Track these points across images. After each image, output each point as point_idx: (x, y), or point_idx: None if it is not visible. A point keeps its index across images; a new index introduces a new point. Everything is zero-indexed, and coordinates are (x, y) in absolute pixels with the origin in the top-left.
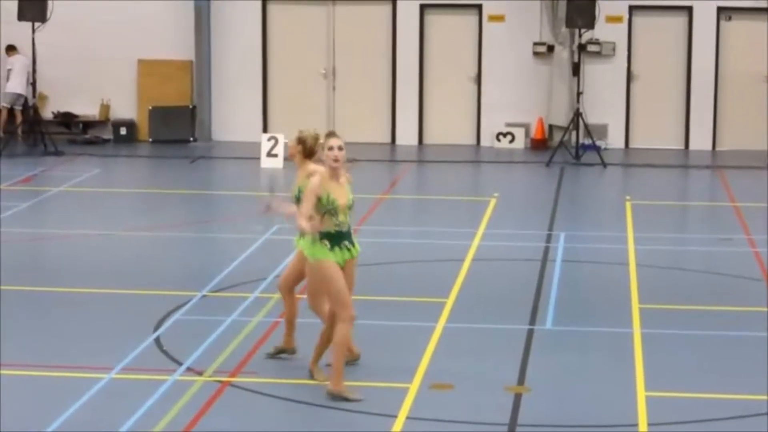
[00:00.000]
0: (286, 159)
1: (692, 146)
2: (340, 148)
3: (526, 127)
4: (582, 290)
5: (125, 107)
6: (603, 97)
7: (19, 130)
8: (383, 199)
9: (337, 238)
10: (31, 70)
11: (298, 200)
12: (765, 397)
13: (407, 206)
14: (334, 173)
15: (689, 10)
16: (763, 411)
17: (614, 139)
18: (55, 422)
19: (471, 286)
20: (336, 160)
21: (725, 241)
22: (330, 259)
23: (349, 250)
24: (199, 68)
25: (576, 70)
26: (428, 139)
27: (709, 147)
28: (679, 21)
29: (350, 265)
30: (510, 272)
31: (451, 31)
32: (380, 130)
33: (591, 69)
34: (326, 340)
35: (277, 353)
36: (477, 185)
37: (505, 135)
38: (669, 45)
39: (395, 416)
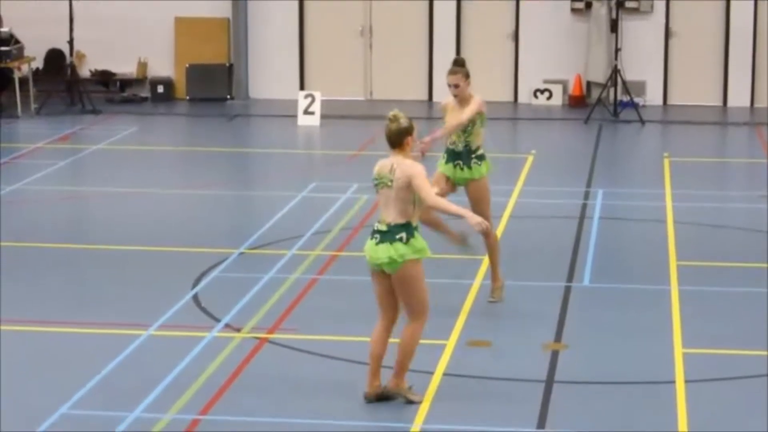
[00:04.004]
0: (323, 117)
1: (730, 103)
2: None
3: (564, 84)
4: (619, 247)
5: (162, 65)
6: (641, 54)
7: None
8: (419, 157)
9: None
10: None
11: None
12: None
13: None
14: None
15: None
16: None
17: (652, 96)
18: (94, 379)
19: (508, 244)
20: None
21: (763, 198)
22: None
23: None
24: (236, 26)
25: (614, 26)
26: None
27: (748, 103)
28: None
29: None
30: (547, 229)
31: None
32: (417, 88)
33: (629, 25)
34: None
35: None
36: (514, 142)
37: (542, 92)
38: (707, 1)
39: (432, 372)
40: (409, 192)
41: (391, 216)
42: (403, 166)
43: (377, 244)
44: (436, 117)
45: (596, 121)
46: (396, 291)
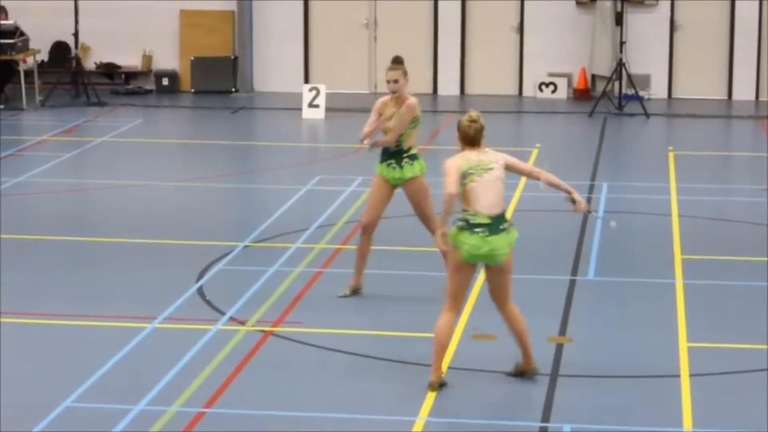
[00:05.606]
0: (328, 110)
1: (735, 96)
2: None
3: (569, 77)
4: (624, 241)
5: (167, 58)
6: (646, 47)
7: None
8: (424, 150)
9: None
10: None
11: None
12: None
13: (448, 157)
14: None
15: None
16: None
17: (657, 89)
18: (99, 371)
19: None
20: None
21: (766, 192)
22: None
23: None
24: (241, 18)
25: (619, 19)
26: (470, 90)
27: (753, 97)
28: None
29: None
30: (552, 223)
31: None
32: (422, 81)
33: (634, 18)
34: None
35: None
36: (519, 136)
37: (547, 85)
38: None
39: None
40: (505, 173)
41: (491, 207)
42: (489, 152)
43: (487, 237)
44: (441, 110)
45: (601, 115)
46: (495, 280)
